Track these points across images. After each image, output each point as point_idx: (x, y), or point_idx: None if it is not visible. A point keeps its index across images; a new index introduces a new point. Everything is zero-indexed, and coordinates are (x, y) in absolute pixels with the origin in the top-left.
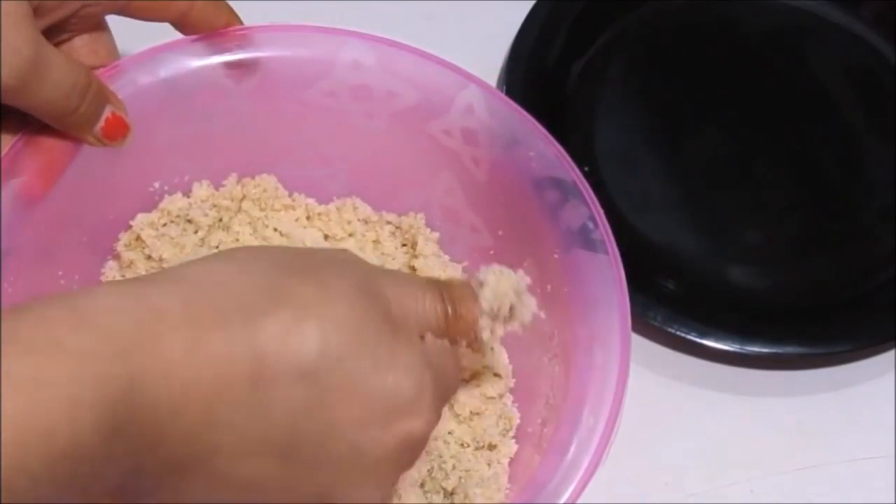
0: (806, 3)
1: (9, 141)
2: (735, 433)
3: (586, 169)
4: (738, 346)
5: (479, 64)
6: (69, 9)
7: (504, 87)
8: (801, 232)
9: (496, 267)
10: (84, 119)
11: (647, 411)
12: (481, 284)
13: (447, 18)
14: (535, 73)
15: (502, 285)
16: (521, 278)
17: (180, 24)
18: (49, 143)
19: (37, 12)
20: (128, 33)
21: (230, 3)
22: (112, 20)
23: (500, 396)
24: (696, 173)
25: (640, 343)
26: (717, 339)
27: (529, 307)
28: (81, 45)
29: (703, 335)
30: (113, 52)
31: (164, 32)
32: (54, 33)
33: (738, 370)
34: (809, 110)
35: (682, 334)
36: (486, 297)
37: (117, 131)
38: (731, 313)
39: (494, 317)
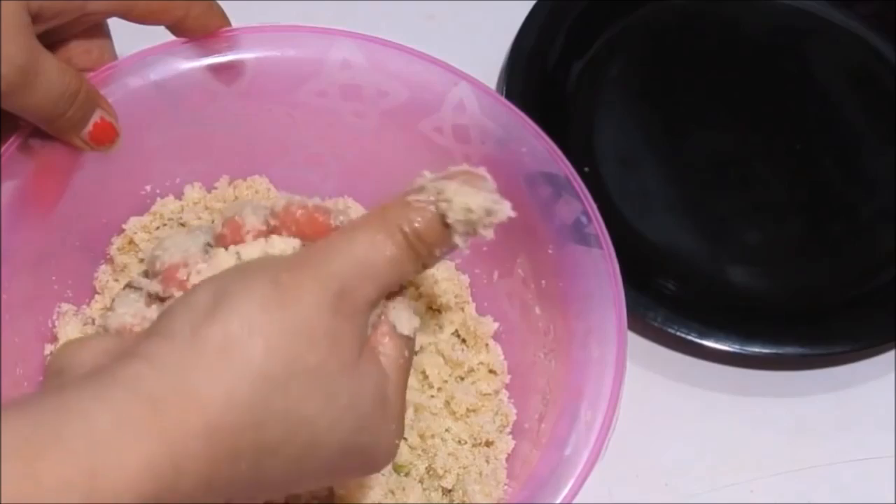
0: (806, 3)
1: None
2: (735, 434)
3: (586, 169)
4: (737, 347)
5: (479, 64)
6: (69, 15)
7: (504, 87)
8: (801, 232)
9: (458, 186)
10: (71, 124)
11: (646, 412)
12: (448, 203)
13: (447, 18)
14: (535, 73)
15: (471, 205)
16: (487, 190)
17: (175, 28)
18: (43, 148)
19: (36, 18)
20: (117, 36)
21: (237, 5)
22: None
23: (496, 393)
24: (696, 173)
25: (639, 343)
26: (716, 340)
27: (503, 210)
28: (76, 45)
29: (702, 335)
30: (107, 55)
31: (154, 35)
32: (50, 35)
33: (737, 371)
34: (809, 110)
35: (682, 335)
36: (457, 222)
37: (105, 136)
38: (731, 313)
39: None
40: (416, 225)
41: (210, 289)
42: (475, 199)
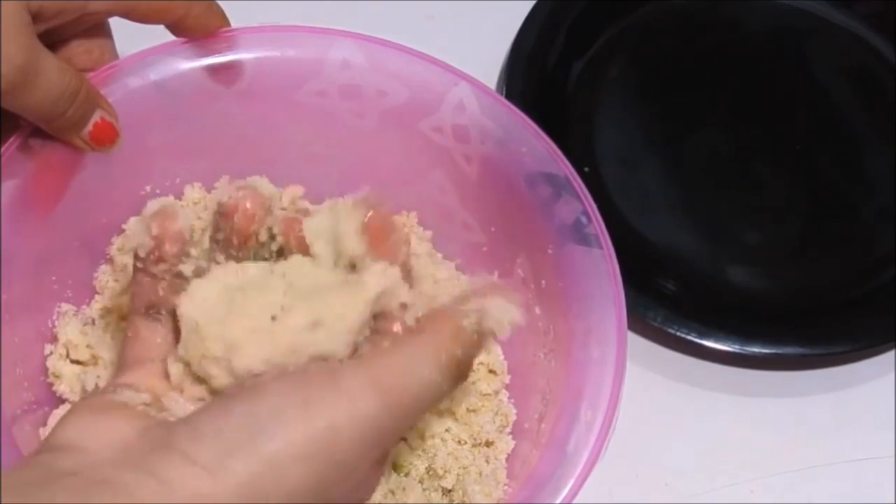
0: (806, 3)
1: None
2: (735, 434)
3: (586, 170)
4: (737, 347)
5: (479, 64)
6: (70, 14)
7: (504, 88)
8: (801, 232)
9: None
10: (71, 123)
11: (647, 412)
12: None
13: (447, 18)
14: (535, 74)
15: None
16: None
17: (176, 28)
18: (44, 148)
19: (37, 17)
20: (120, 35)
21: (237, 5)
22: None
23: (496, 393)
24: (696, 173)
25: (639, 343)
26: (716, 340)
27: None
28: (77, 45)
29: (702, 335)
30: (108, 54)
31: (155, 35)
32: (51, 34)
33: (737, 371)
34: (809, 110)
35: (682, 335)
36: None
37: (105, 136)
38: (731, 313)
39: None
40: (465, 347)
41: (243, 416)
42: (515, 313)
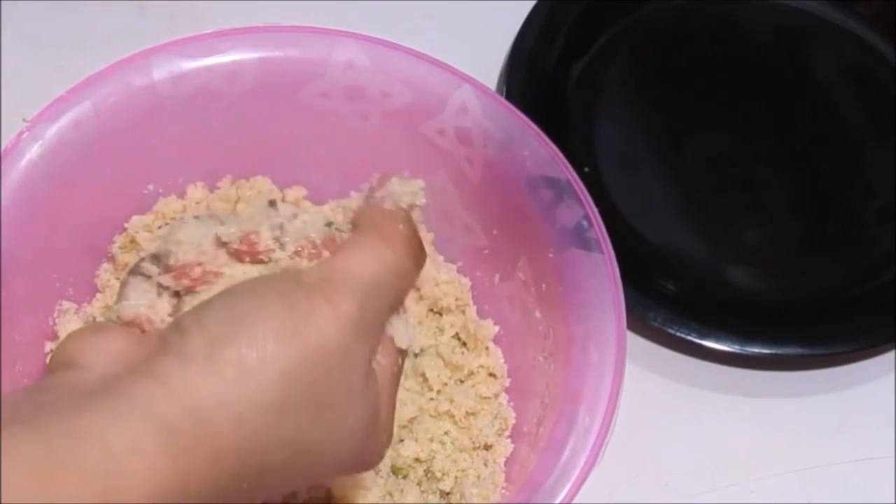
0: (806, 4)
1: None
2: (735, 434)
3: (586, 170)
4: (738, 347)
5: (478, 64)
6: None
7: (504, 88)
8: (801, 232)
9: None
10: None
11: (647, 412)
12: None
13: (447, 18)
14: (535, 74)
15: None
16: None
17: None
18: (45, 146)
19: None
20: (124, 35)
21: (238, 5)
22: (105, 22)
23: (496, 396)
24: (696, 174)
25: (640, 344)
26: (717, 340)
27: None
28: None
29: (703, 336)
30: None
31: (157, 34)
32: None
33: (738, 371)
34: (809, 110)
35: (683, 335)
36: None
37: None
38: (731, 314)
39: None
40: (401, 225)
41: (224, 309)
42: (417, 183)
